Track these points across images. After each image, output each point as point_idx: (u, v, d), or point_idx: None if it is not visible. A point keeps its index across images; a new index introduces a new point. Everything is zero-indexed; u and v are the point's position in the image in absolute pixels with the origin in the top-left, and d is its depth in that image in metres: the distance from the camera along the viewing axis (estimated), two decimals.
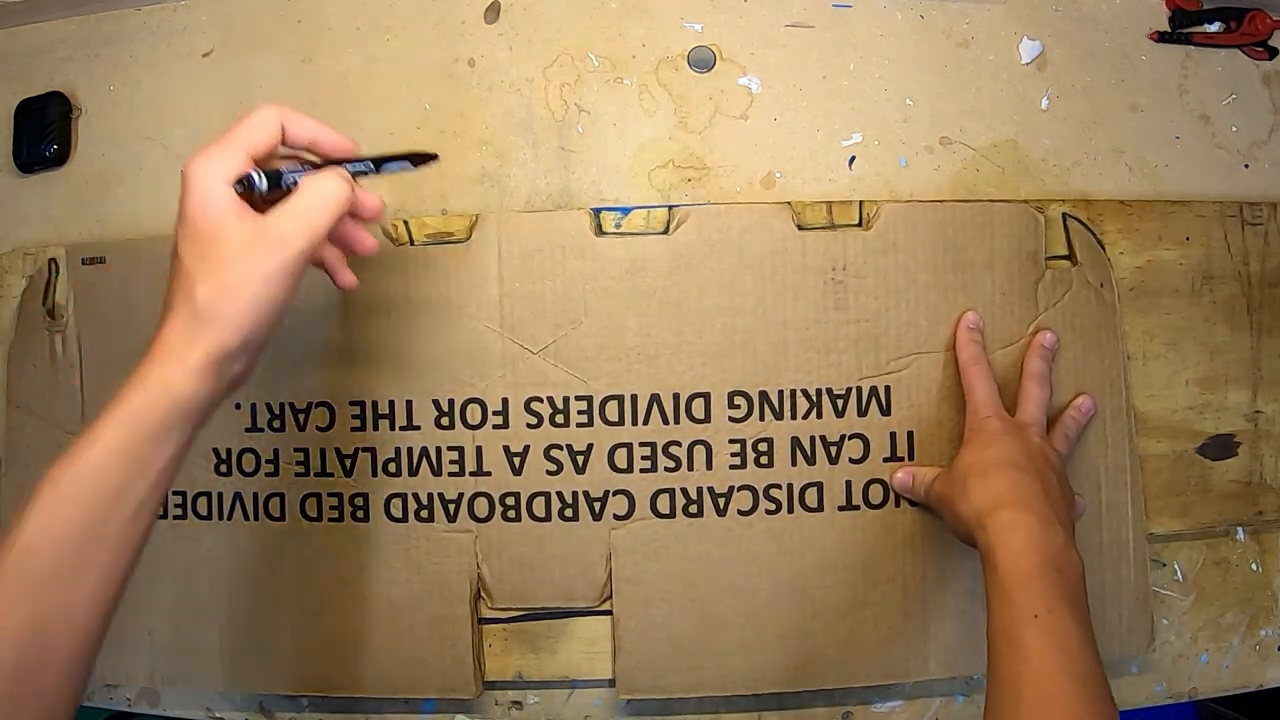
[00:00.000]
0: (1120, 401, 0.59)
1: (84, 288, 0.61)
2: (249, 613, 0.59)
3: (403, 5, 0.65)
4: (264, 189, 0.41)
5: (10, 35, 0.68)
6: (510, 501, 0.58)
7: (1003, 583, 0.45)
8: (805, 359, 0.58)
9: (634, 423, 0.58)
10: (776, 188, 0.62)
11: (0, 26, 0.67)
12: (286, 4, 0.66)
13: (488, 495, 0.58)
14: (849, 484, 0.58)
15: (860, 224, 0.59)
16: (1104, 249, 0.59)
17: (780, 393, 0.58)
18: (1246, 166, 0.64)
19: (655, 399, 0.58)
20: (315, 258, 0.44)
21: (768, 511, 0.58)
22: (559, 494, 0.58)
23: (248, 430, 0.60)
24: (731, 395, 0.58)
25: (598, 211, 0.59)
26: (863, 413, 0.58)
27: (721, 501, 0.58)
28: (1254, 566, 0.61)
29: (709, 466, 0.58)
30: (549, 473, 0.58)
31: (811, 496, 0.58)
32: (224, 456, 0.60)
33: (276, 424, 0.59)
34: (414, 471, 0.59)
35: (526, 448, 0.58)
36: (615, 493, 0.58)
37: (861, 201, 0.59)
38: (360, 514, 0.59)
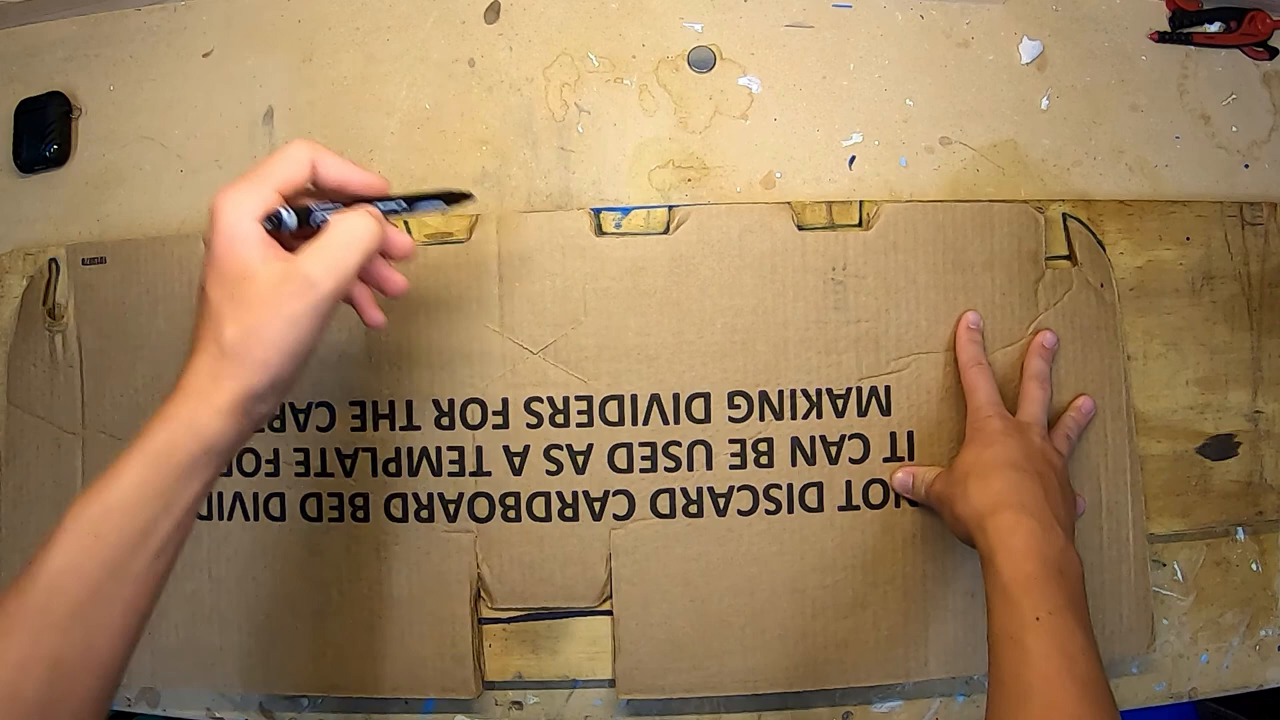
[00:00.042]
0: (1120, 401, 0.59)
1: (84, 288, 0.61)
2: (249, 613, 0.59)
3: (403, 5, 0.65)
4: (293, 226, 0.40)
5: (10, 35, 0.68)
6: (510, 501, 0.58)
7: (1004, 585, 0.44)
8: (805, 359, 0.58)
9: (634, 423, 0.58)
10: (776, 188, 0.62)
11: (0, 26, 0.67)
12: (286, 4, 0.66)
13: (488, 495, 0.58)
14: (849, 484, 0.58)
15: (860, 224, 0.59)
16: (1104, 249, 0.59)
17: (780, 393, 0.58)
18: (1246, 166, 0.64)
19: (655, 399, 0.58)
20: (344, 296, 0.43)
21: (768, 511, 0.58)
22: (559, 494, 0.58)
23: None
24: (731, 395, 0.58)
25: (598, 211, 0.59)
26: (863, 413, 0.58)
27: (721, 501, 0.58)
28: (1254, 566, 0.61)
29: (709, 466, 0.58)
30: (549, 473, 0.58)
31: (811, 496, 0.58)
32: None
33: (276, 424, 0.59)
34: (414, 471, 0.59)
35: (526, 448, 0.58)
36: (615, 493, 0.58)
37: (861, 201, 0.59)
38: (360, 514, 0.59)
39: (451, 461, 0.58)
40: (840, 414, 0.58)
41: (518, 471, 0.58)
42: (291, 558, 0.59)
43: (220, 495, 0.59)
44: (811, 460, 0.58)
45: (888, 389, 0.58)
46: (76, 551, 0.37)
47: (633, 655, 0.57)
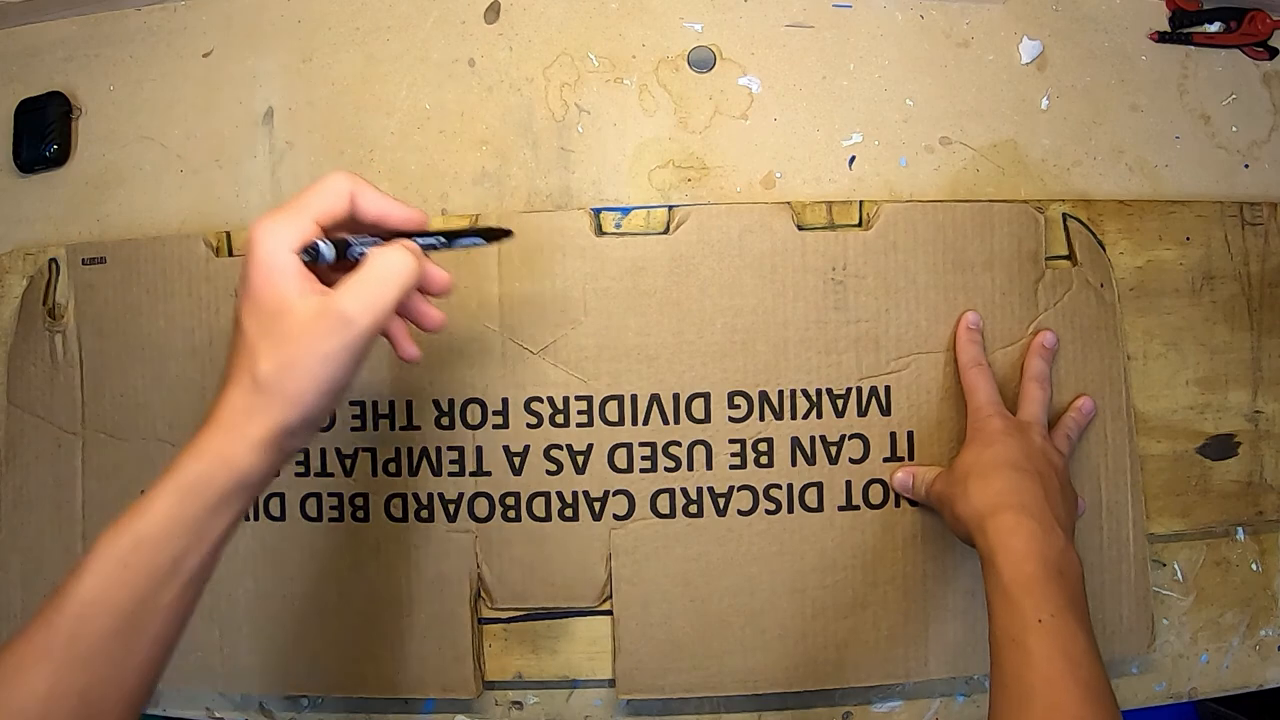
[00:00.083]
0: (1120, 401, 0.59)
1: (84, 288, 0.61)
2: (249, 613, 0.59)
3: (403, 5, 0.65)
4: (330, 259, 0.39)
5: (10, 35, 0.68)
6: (510, 501, 0.58)
7: (1005, 587, 0.44)
8: (805, 359, 0.58)
9: (634, 423, 0.58)
10: (776, 188, 0.62)
11: (0, 26, 0.67)
12: (286, 4, 0.66)
13: (488, 495, 0.58)
14: (849, 484, 0.58)
15: (860, 224, 0.59)
16: (1104, 249, 0.59)
17: (780, 393, 0.58)
18: (1246, 166, 0.64)
19: (655, 399, 0.58)
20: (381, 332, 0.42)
21: (768, 511, 0.58)
22: (559, 494, 0.58)
23: None
24: (731, 395, 0.58)
25: (598, 211, 0.59)
26: (863, 413, 0.58)
27: (721, 501, 0.58)
28: (1254, 566, 0.61)
29: (709, 466, 0.58)
30: (549, 473, 0.58)
31: (811, 496, 0.58)
32: None
33: None
34: (414, 471, 0.59)
35: (526, 448, 0.58)
36: (615, 493, 0.58)
37: (861, 201, 0.59)
38: (360, 514, 0.59)
39: (451, 461, 0.58)
40: (840, 414, 0.58)
41: (518, 471, 0.58)
42: (291, 558, 0.59)
43: None
44: (811, 460, 0.58)
45: (888, 389, 0.58)
46: (106, 582, 0.36)
47: (633, 655, 0.57)
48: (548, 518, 0.58)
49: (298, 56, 0.65)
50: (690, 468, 0.58)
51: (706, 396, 0.58)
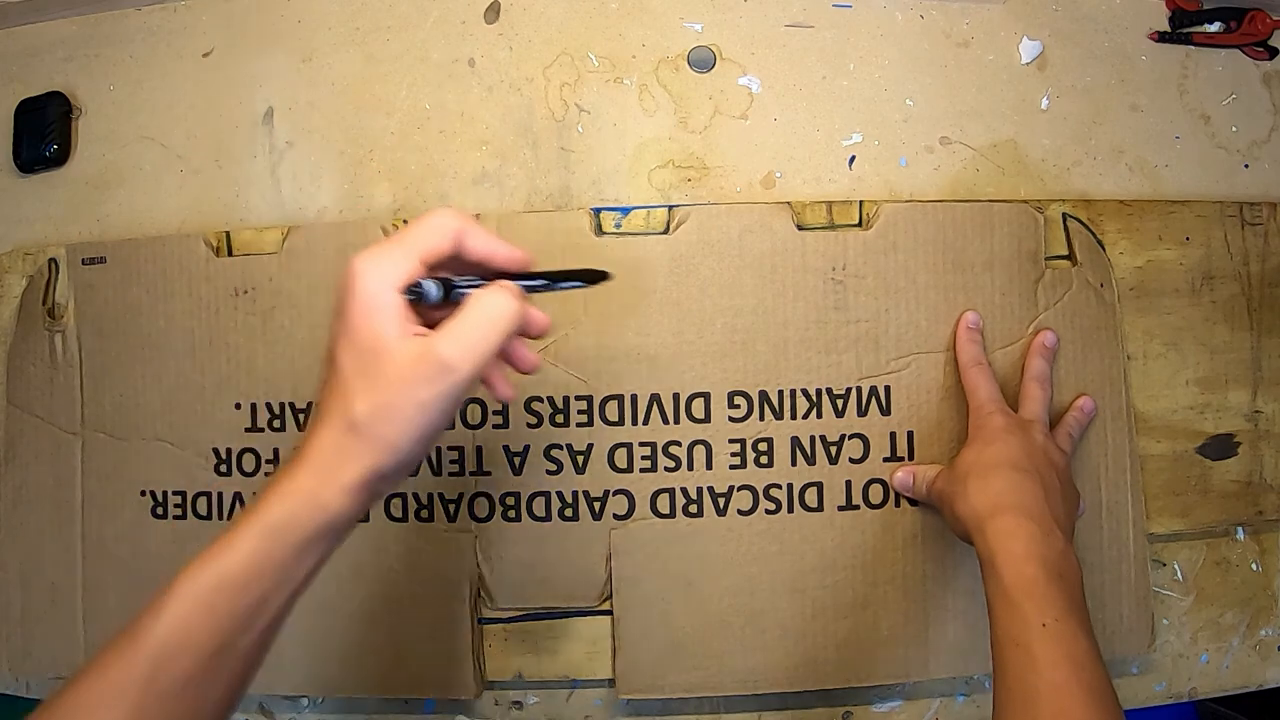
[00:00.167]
0: (1120, 401, 0.59)
1: (84, 288, 0.61)
2: None
3: (403, 5, 0.65)
4: (436, 300, 0.38)
5: (10, 35, 0.68)
6: (510, 501, 0.58)
7: (1007, 591, 0.44)
8: (805, 359, 0.58)
9: (634, 423, 0.58)
10: (776, 188, 0.62)
11: (0, 26, 0.67)
12: (286, 4, 0.66)
13: (488, 495, 0.58)
14: (849, 484, 0.58)
15: (860, 224, 0.59)
16: (1104, 249, 0.59)
17: (780, 393, 0.58)
18: (1246, 166, 0.64)
19: (655, 399, 0.58)
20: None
21: (768, 511, 0.58)
22: (559, 494, 0.58)
23: (248, 430, 0.59)
24: (731, 395, 0.58)
25: (598, 211, 0.59)
26: (863, 413, 0.58)
27: (721, 501, 0.58)
28: (1254, 566, 0.61)
29: (709, 466, 0.58)
30: (549, 472, 0.58)
31: (811, 496, 0.58)
32: (224, 456, 0.60)
33: (276, 424, 0.59)
34: (414, 471, 0.59)
35: (526, 447, 0.58)
36: (615, 493, 0.58)
37: (861, 201, 0.59)
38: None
39: (451, 461, 0.58)
40: (840, 414, 0.58)
41: (518, 471, 0.58)
42: None
43: (220, 495, 0.59)
44: (811, 460, 0.58)
45: (888, 389, 0.58)
46: (187, 623, 0.35)
47: (632, 655, 0.57)
48: (548, 518, 0.58)
49: (298, 56, 0.65)
50: (690, 468, 0.58)
51: (706, 396, 0.58)
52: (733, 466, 0.58)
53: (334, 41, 0.65)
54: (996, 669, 0.44)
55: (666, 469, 0.58)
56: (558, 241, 0.58)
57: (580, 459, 0.58)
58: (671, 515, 0.58)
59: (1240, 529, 0.61)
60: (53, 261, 0.62)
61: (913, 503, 0.58)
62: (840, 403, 0.58)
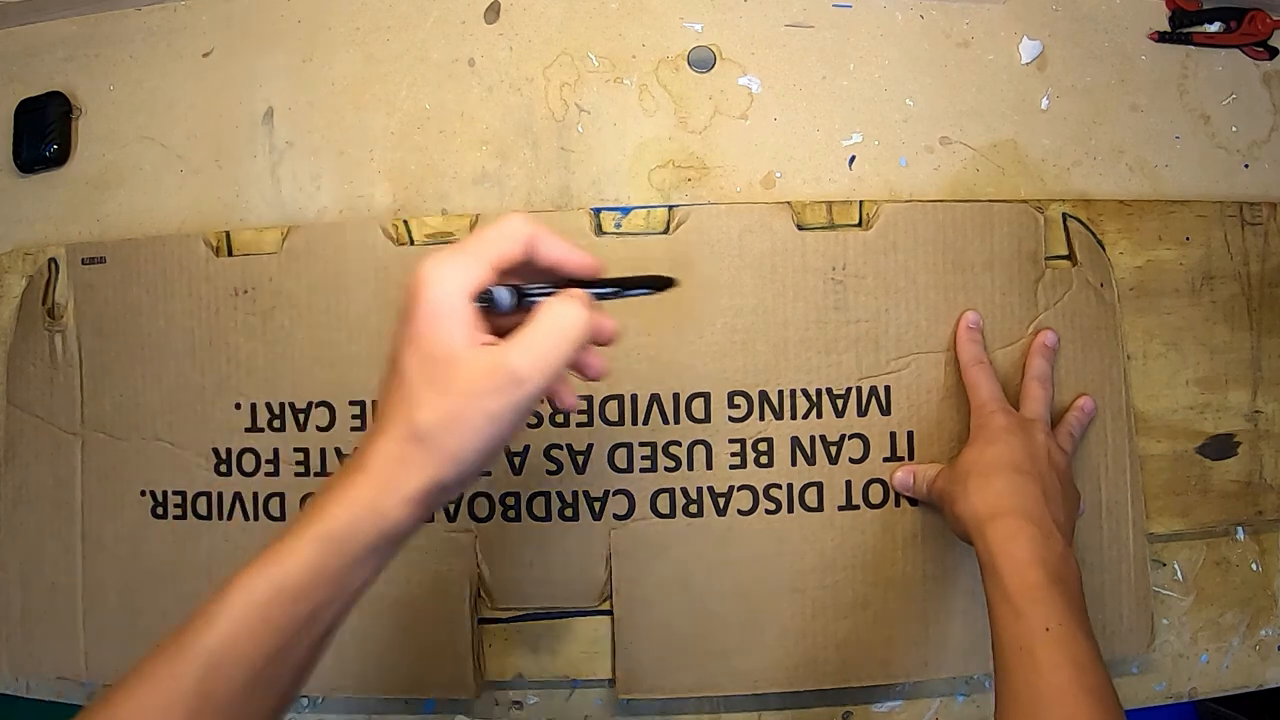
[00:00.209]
0: (1120, 401, 0.59)
1: (84, 288, 0.61)
2: None
3: (403, 5, 0.65)
4: (508, 308, 0.37)
5: (10, 35, 0.68)
6: (510, 501, 0.58)
7: (1009, 594, 0.44)
8: (805, 359, 0.58)
9: (634, 422, 0.58)
10: (776, 188, 0.62)
11: (0, 26, 0.67)
12: (286, 4, 0.66)
13: (488, 495, 0.58)
14: (849, 484, 0.58)
15: (860, 224, 0.59)
16: (1104, 249, 0.59)
17: (780, 393, 0.58)
18: (1246, 166, 0.64)
19: (655, 399, 0.58)
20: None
21: (768, 511, 0.58)
22: (559, 494, 0.58)
23: (248, 430, 0.59)
24: (731, 395, 0.58)
25: (598, 211, 0.59)
26: (863, 412, 0.58)
27: (721, 501, 0.58)
28: (1254, 566, 0.61)
29: (709, 466, 0.58)
30: (549, 472, 0.58)
31: (811, 496, 0.58)
32: (224, 456, 0.60)
33: (276, 424, 0.59)
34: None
35: (526, 447, 0.58)
36: (615, 493, 0.58)
37: (861, 201, 0.59)
38: None
39: None
40: (840, 414, 0.58)
41: (517, 471, 0.58)
42: None
43: (220, 495, 0.59)
44: (811, 460, 0.58)
45: (888, 389, 0.58)
46: (239, 633, 0.34)
47: (632, 655, 0.57)
48: (548, 517, 0.58)
49: (298, 56, 0.65)
50: (690, 467, 0.58)
51: (706, 396, 0.58)
52: (733, 466, 0.58)
53: (334, 41, 0.65)
54: (999, 673, 0.44)
55: (666, 469, 0.58)
56: None
57: (580, 459, 0.58)
58: (671, 515, 0.58)
59: (1240, 529, 0.61)
60: (53, 261, 0.62)
61: (913, 502, 0.58)
62: (840, 403, 0.58)
